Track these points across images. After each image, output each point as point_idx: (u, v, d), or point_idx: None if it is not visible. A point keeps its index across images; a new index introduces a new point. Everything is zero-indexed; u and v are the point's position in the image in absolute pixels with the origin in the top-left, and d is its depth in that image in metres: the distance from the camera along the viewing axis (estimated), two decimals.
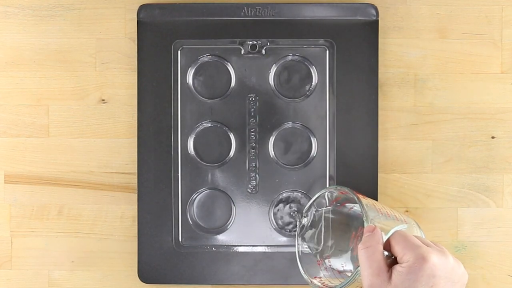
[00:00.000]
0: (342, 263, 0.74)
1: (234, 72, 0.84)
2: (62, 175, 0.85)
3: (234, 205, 0.84)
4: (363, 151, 0.83)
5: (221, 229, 0.84)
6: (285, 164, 0.84)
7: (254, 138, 0.84)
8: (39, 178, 0.85)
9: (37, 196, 0.85)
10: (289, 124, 0.84)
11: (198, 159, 0.84)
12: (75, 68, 0.85)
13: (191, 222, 0.84)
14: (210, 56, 0.84)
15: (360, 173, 0.83)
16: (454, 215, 0.85)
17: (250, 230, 0.84)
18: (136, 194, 0.84)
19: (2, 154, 0.85)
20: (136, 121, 0.84)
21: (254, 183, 0.84)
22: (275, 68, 0.84)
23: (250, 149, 0.84)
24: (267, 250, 0.84)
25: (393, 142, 0.84)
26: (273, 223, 0.84)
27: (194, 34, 0.83)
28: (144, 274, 0.84)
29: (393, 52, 0.84)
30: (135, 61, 0.84)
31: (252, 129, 0.84)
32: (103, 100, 0.85)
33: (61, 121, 0.85)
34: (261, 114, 0.84)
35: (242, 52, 0.84)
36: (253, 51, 0.84)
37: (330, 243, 0.77)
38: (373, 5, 0.83)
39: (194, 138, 0.84)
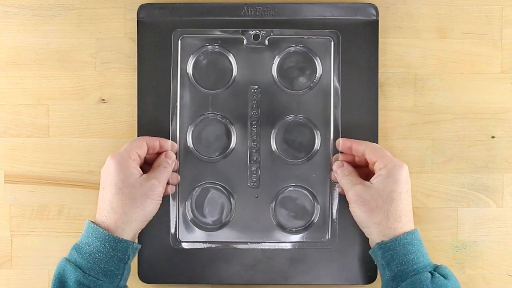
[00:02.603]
0: None
1: (236, 63, 0.83)
2: (62, 175, 0.85)
3: (234, 200, 0.83)
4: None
5: (221, 225, 0.84)
6: (288, 158, 0.84)
7: (256, 130, 0.83)
8: (39, 178, 0.85)
9: (37, 196, 0.85)
10: (291, 117, 0.84)
11: (198, 153, 0.83)
12: (75, 68, 0.85)
13: (190, 218, 0.84)
14: (211, 47, 0.83)
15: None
16: (454, 215, 0.85)
17: (250, 225, 0.83)
18: None
19: (2, 154, 0.85)
20: (136, 121, 0.83)
21: (255, 177, 0.83)
22: (278, 60, 0.83)
23: (251, 142, 0.83)
24: (267, 247, 0.83)
25: (393, 142, 0.84)
26: (274, 218, 0.84)
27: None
28: (144, 274, 0.84)
29: (393, 52, 0.84)
30: (135, 61, 0.84)
31: (254, 121, 0.83)
32: (103, 100, 0.85)
33: (61, 121, 0.85)
34: (263, 107, 0.83)
35: (245, 42, 0.83)
36: (256, 41, 0.83)
37: None
38: (373, 5, 0.83)
39: (195, 132, 0.83)
